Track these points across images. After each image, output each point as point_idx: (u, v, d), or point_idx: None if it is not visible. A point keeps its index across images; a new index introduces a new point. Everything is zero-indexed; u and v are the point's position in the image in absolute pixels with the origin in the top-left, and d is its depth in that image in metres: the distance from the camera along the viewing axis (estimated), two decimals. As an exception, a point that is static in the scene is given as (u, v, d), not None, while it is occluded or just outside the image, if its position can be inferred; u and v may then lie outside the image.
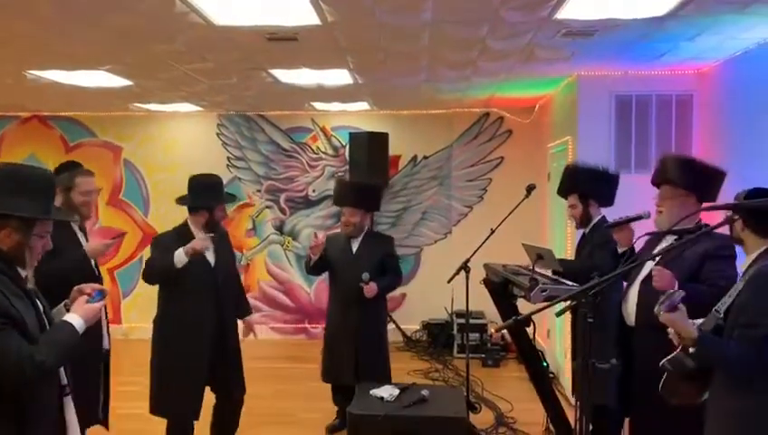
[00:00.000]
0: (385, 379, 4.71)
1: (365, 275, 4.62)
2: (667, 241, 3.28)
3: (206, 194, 4.00)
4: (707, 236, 2.95)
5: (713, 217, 3.38)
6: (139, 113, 7.90)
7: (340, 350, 4.76)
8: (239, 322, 4.31)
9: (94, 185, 3.79)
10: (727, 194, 2.95)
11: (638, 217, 3.61)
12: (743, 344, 2.31)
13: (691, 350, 2.45)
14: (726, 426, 2.42)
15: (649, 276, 3.12)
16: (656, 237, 3.41)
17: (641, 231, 3.44)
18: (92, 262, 3.65)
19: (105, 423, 3.75)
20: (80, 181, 3.67)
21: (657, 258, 3.17)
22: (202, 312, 3.94)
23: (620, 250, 3.72)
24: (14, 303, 2.16)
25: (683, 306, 2.43)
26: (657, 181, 3.38)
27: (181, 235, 3.97)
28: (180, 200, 4.06)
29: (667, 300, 2.43)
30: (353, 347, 4.71)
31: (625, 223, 3.67)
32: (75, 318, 2.28)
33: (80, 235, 3.72)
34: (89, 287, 2.42)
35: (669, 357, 2.53)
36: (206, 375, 3.99)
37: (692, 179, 3.24)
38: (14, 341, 2.10)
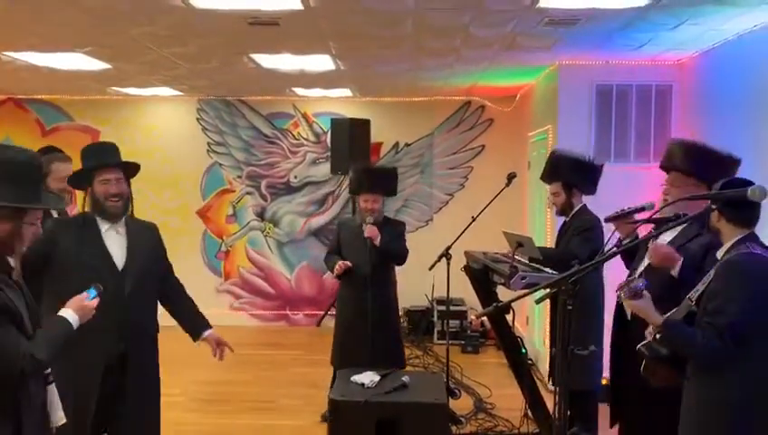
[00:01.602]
0: (400, 363, 4.69)
1: (368, 219, 4.61)
2: (672, 233, 3.05)
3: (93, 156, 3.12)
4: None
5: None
6: (117, 97, 7.78)
7: (356, 335, 4.67)
8: (206, 338, 3.33)
9: (71, 171, 3.68)
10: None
11: (641, 209, 3.43)
12: (708, 330, 2.36)
13: (658, 336, 2.52)
14: (696, 413, 2.47)
15: (647, 270, 3.03)
16: (656, 230, 3.13)
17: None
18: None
19: None
20: (55, 168, 3.58)
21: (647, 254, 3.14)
22: (96, 333, 2.73)
23: (624, 241, 3.44)
24: (9, 294, 2.11)
25: (647, 293, 2.49)
26: (665, 168, 3.21)
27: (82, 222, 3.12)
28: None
29: (626, 286, 2.49)
30: (368, 331, 4.60)
31: (627, 215, 3.46)
32: (71, 314, 2.29)
33: None
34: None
35: (643, 343, 2.60)
36: (93, 420, 2.98)
37: (702, 168, 3.03)
38: (13, 338, 2.08)
